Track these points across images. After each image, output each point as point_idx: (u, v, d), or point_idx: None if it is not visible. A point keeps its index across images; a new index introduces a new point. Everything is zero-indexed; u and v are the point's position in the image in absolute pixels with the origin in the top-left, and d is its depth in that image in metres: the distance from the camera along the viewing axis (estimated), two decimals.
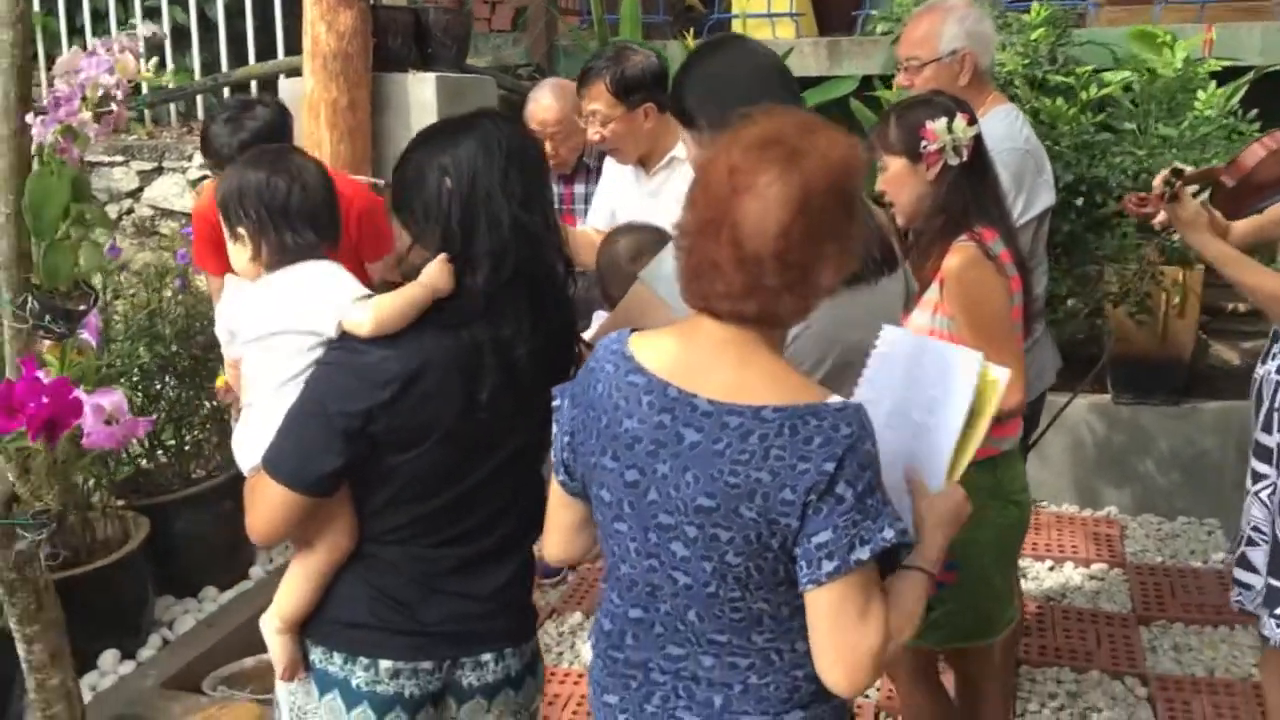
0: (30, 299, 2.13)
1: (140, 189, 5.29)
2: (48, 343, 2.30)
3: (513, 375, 1.74)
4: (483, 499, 1.81)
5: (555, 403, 1.67)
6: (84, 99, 1.89)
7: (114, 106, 1.93)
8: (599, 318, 2.27)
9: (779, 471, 1.45)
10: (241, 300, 1.87)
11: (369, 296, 1.76)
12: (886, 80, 4.73)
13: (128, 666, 3.38)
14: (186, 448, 3.82)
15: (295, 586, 1.82)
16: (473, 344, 1.73)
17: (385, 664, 1.79)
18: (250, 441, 1.81)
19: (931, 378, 1.72)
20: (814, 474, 1.44)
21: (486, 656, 1.86)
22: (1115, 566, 4.23)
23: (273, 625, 1.82)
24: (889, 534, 1.46)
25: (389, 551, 1.80)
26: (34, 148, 2.00)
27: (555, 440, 1.67)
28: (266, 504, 1.75)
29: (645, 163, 3.23)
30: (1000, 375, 1.71)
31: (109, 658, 3.38)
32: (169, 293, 3.88)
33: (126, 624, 3.46)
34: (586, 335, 2.11)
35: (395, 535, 1.80)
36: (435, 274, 1.73)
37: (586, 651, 3.70)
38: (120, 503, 3.62)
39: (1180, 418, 4.64)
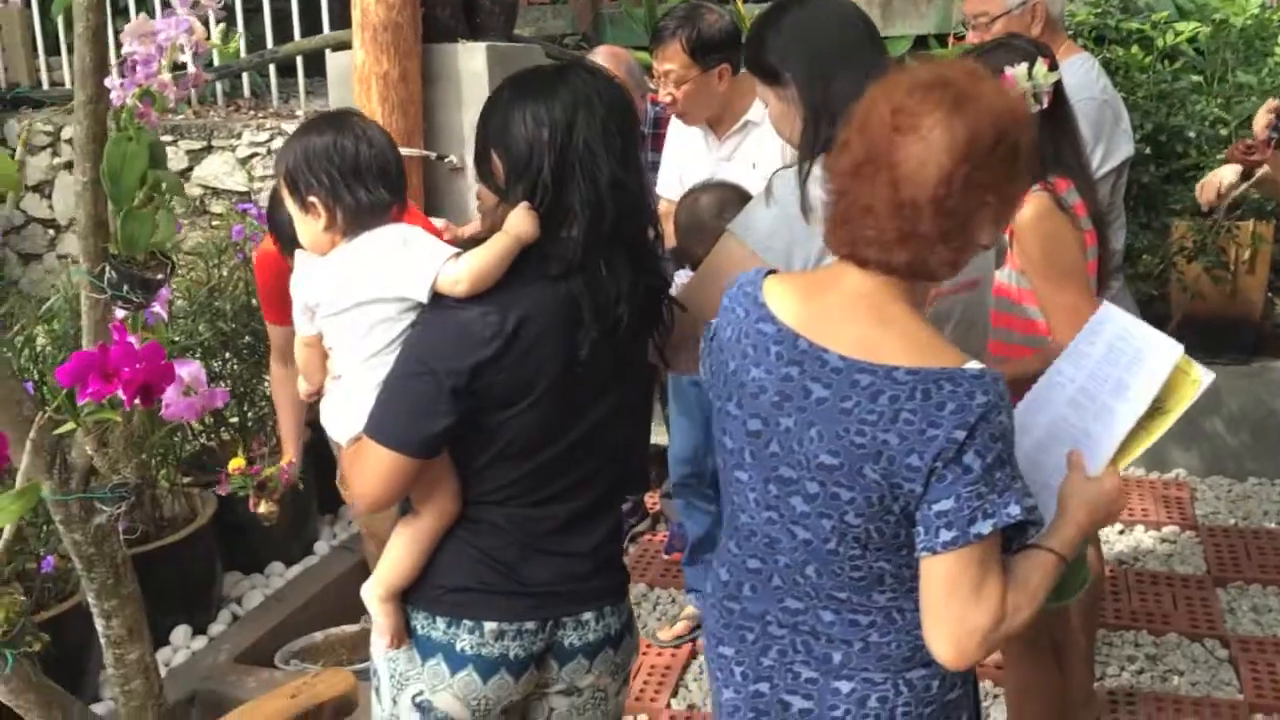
0: (108, 268, 2.11)
1: (190, 168, 5.29)
2: (121, 313, 2.28)
3: (612, 330, 1.70)
4: (581, 457, 1.78)
5: (707, 334, 1.65)
6: (161, 62, 1.86)
7: (191, 69, 1.90)
8: (682, 276, 2.22)
9: (907, 435, 1.40)
10: (321, 273, 1.82)
11: (458, 255, 1.72)
12: (941, 39, 4.65)
13: (200, 642, 3.39)
14: (249, 424, 3.80)
15: (400, 554, 1.78)
16: (570, 297, 1.69)
17: (490, 626, 1.76)
18: (345, 413, 1.78)
19: (1126, 359, 1.66)
20: (943, 440, 1.39)
21: (588, 615, 1.83)
22: (1187, 529, 4.15)
23: (376, 594, 1.79)
24: (1014, 510, 1.41)
25: (491, 513, 1.77)
26: (110, 113, 1.98)
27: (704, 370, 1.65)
28: (373, 470, 1.71)
29: (716, 127, 3.16)
30: (1205, 377, 1.60)
31: (180, 633, 3.39)
32: (227, 270, 3.86)
33: (197, 600, 3.46)
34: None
35: (497, 496, 1.76)
36: (519, 221, 1.69)
37: (652, 622, 3.68)
38: (186, 480, 3.62)
39: (1250, 377, 4.53)
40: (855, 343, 1.46)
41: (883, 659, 1.53)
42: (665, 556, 4.08)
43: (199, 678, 3.14)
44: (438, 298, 1.69)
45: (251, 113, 5.66)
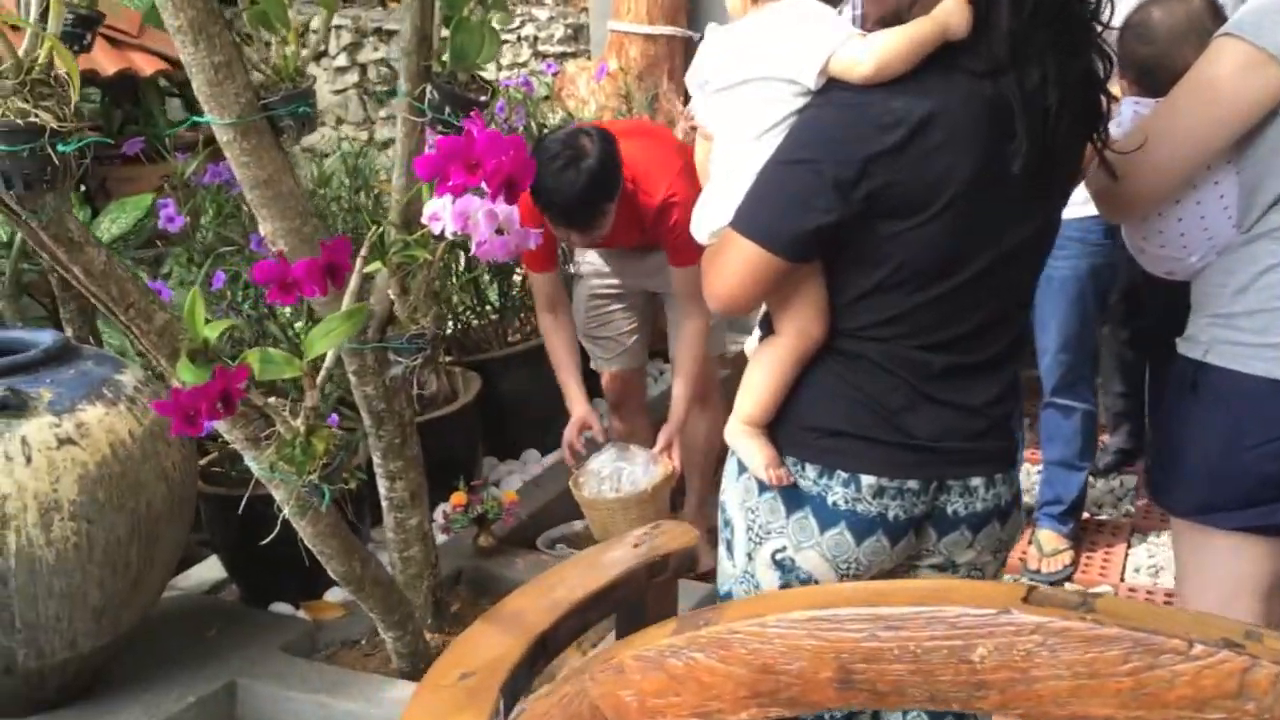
0: (429, 89, 1.96)
1: None
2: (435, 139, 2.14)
3: (1040, 135, 1.43)
4: (980, 299, 1.53)
5: None
6: None
7: None
8: (1129, 106, 1.90)
9: None
10: (716, 46, 1.63)
11: (863, 35, 1.48)
12: None
13: None
14: (510, 305, 3.69)
15: (758, 381, 1.58)
16: (997, 97, 1.43)
17: (867, 480, 1.55)
18: (715, 203, 1.58)
19: None
20: None
21: (976, 481, 1.59)
22: None
23: (738, 430, 1.60)
24: None
25: (871, 349, 1.54)
26: None
27: None
28: (733, 264, 1.52)
29: None
30: None
31: (445, 510, 3.31)
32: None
33: (460, 479, 3.37)
34: (1116, 131, 1.78)
35: (879, 332, 1.53)
36: (951, 9, 1.42)
37: None
38: (448, 359, 3.54)
39: None
40: None
41: None
42: None
43: (465, 556, 3.06)
44: (832, 83, 1.47)
45: None
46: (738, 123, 1.56)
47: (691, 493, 3.33)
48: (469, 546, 3.07)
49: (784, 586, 1.60)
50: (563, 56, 4.76)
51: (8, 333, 2.42)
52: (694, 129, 3.86)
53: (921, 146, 1.42)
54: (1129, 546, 3.48)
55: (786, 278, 1.51)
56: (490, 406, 3.51)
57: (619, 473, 2.97)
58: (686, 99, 4.24)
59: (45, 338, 2.32)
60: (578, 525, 3.28)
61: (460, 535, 3.18)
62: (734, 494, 1.66)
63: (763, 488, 1.60)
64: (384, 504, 2.55)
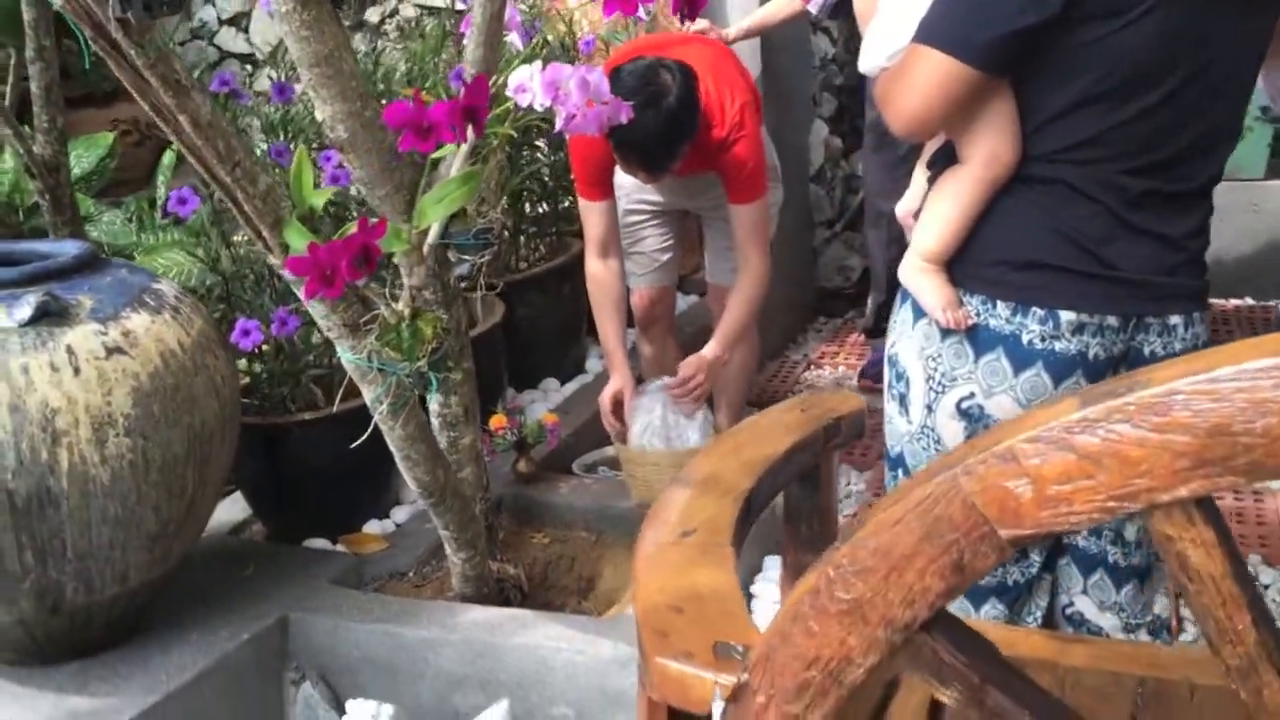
0: None
1: None
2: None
3: None
4: (1183, 120, 1.42)
5: None
6: None
7: None
8: None
9: None
10: None
11: None
12: None
13: None
14: (530, 230, 3.52)
15: (943, 212, 1.46)
16: None
17: (1067, 316, 1.44)
18: (886, 31, 1.45)
19: None
20: None
21: (1175, 319, 1.49)
22: None
23: (915, 265, 1.47)
24: None
25: (1068, 173, 1.42)
26: None
27: None
28: (921, 80, 1.39)
29: None
30: None
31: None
32: None
33: (490, 403, 3.21)
34: None
35: (1077, 154, 1.42)
36: None
37: None
38: (464, 283, 3.35)
39: None
40: None
41: None
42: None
43: (504, 482, 2.90)
44: None
45: None
46: None
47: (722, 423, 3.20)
48: (507, 473, 2.92)
49: (969, 438, 1.49)
50: None
51: (30, 244, 2.21)
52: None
53: None
54: None
55: (976, 95, 1.39)
56: (512, 329, 3.34)
57: (667, 426, 2.75)
58: (683, 18, 4.09)
59: (71, 247, 2.11)
60: (609, 451, 3.14)
61: (496, 462, 3.02)
62: (909, 344, 1.54)
63: (945, 333, 1.49)
64: (435, 421, 2.38)
